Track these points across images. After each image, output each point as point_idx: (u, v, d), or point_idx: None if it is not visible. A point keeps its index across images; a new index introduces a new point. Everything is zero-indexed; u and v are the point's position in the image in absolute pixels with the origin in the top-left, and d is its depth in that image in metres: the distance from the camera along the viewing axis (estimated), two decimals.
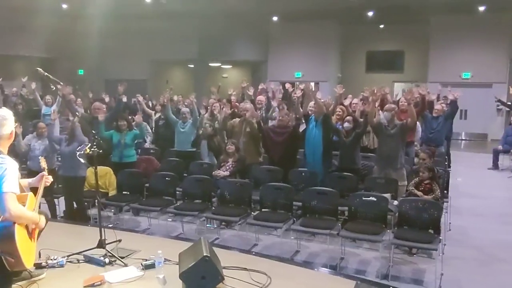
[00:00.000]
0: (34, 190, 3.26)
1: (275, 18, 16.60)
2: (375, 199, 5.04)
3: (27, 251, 2.93)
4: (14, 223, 2.80)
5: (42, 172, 3.39)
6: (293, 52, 17.30)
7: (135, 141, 7.08)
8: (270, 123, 7.95)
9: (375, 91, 6.53)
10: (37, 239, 3.25)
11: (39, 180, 3.36)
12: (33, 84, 9.95)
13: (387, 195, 5.25)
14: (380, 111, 6.67)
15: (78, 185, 5.81)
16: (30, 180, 3.41)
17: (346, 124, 6.37)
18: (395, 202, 5.30)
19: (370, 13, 15.06)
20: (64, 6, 14.80)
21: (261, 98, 8.55)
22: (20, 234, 2.84)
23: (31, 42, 14.82)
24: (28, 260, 2.93)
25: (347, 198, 5.34)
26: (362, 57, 18.84)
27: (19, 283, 3.38)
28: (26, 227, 2.97)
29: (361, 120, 6.56)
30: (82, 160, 4.42)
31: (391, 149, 5.97)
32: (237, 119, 7.20)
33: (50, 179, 3.41)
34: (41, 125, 6.53)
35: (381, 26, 17.58)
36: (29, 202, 3.05)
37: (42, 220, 3.11)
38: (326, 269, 4.32)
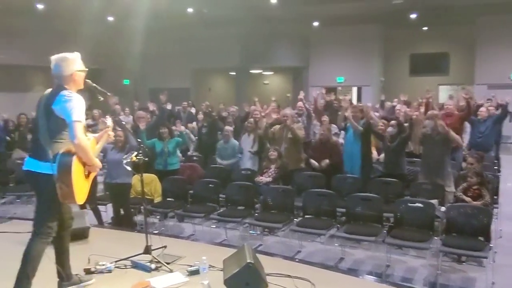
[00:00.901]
0: None
1: (316, 23, 16.52)
2: (422, 205, 4.90)
3: (81, 187, 3.14)
4: (73, 156, 3.04)
5: (107, 129, 3.62)
6: (335, 56, 17.13)
7: (178, 149, 7.20)
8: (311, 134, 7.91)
9: (423, 101, 6.39)
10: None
11: (102, 135, 3.59)
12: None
13: (434, 201, 5.10)
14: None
15: (125, 192, 5.97)
16: (95, 134, 3.64)
17: (390, 129, 6.23)
18: (443, 208, 5.14)
19: (413, 16, 14.69)
20: (110, 18, 15.40)
21: (301, 104, 8.52)
22: (77, 168, 3.07)
23: (79, 53, 15.48)
24: (79, 196, 3.13)
25: (392, 204, 5.21)
26: (406, 60, 18.39)
27: (70, 287, 3.51)
28: (84, 165, 3.17)
29: (404, 124, 6.40)
30: (128, 168, 4.55)
31: (436, 156, 5.79)
32: (278, 126, 7.20)
33: (112, 135, 3.67)
34: None
35: (425, 28, 17.10)
36: (90, 145, 3.29)
37: (97, 163, 3.28)
38: (371, 276, 4.22)
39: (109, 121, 3.74)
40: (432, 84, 17.43)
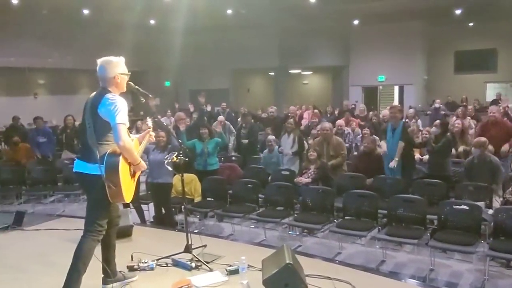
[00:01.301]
0: None
1: (356, 22, 16.26)
2: (468, 208, 4.72)
3: (128, 186, 3.25)
4: (120, 156, 3.14)
5: (148, 129, 3.73)
6: (376, 55, 16.77)
7: (218, 149, 7.27)
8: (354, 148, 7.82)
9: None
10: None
11: (144, 136, 3.69)
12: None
13: (481, 204, 4.91)
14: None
15: (166, 191, 6.08)
16: (137, 135, 3.76)
17: (433, 129, 6.05)
18: (490, 211, 4.95)
19: (458, 11, 14.18)
20: (152, 21, 15.78)
21: (341, 122, 8.35)
22: (123, 168, 3.18)
23: (122, 57, 15.95)
24: (127, 195, 3.24)
25: (436, 206, 5.05)
26: (450, 57, 17.76)
27: (114, 284, 3.61)
28: (129, 165, 3.28)
29: (447, 123, 6.20)
30: (169, 168, 4.63)
31: (482, 180, 5.57)
32: (317, 139, 7.08)
33: (153, 136, 3.76)
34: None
35: (470, 24, 16.46)
36: (133, 145, 3.38)
37: (142, 163, 3.37)
38: (414, 280, 4.10)
39: (150, 122, 3.83)
40: (478, 81, 16.82)
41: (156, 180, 5.99)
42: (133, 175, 3.36)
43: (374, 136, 7.81)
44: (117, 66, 3.31)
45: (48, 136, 8.96)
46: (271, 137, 7.74)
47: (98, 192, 3.16)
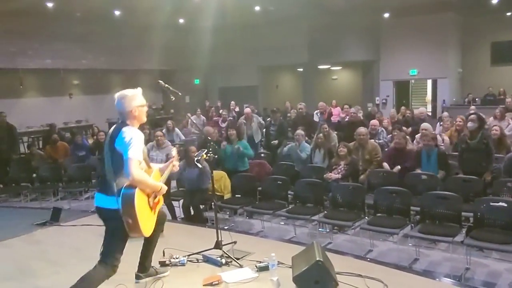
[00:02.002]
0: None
1: (386, 15, 15.93)
2: (506, 205, 4.55)
3: (146, 219, 3.20)
4: (135, 188, 3.09)
5: (172, 158, 3.73)
6: (407, 48, 16.37)
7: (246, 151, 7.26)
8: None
9: None
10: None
11: (167, 165, 3.70)
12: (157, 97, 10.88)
13: None
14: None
15: (202, 195, 6.16)
16: (161, 165, 3.76)
17: (469, 124, 5.84)
18: None
19: (495, 1, 13.67)
20: (181, 20, 15.96)
21: (375, 122, 8.22)
22: (140, 201, 3.13)
23: (152, 56, 16.23)
24: (146, 228, 3.19)
25: (472, 203, 4.90)
26: (487, 49, 17.13)
27: (147, 279, 3.69)
28: (148, 196, 3.24)
29: (483, 117, 5.98)
30: (199, 165, 4.67)
31: None
32: (352, 144, 6.97)
33: (177, 166, 3.74)
34: (158, 133, 6.86)
35: (508, 13, 15.82)
36: (153, 176, 3.38)
37: (163, 187, 3.35)
38: (449, 279, 3.99)
39: (174, 151, 3.84)
40: None
41: (195, 186, 6.10)
42: (153, 207, 3.32)
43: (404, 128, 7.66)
44: (133, 100, 3.26)
45: (86, 149, 9.36)
46: (300, 131, 7.67)
47: (115, 226, 3.13)
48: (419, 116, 9.03)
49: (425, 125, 6.88)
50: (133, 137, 3.11)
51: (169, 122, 10.28)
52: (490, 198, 4.88)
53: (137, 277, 3.69)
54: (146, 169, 3.30)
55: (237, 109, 11.15)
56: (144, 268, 3.70)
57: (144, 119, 3.36)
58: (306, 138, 7.67)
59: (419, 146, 6.59)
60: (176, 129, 10.11)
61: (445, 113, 9.25)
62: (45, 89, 15.22)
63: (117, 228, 3.13)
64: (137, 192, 3.09)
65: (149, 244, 3.65)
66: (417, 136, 7.10)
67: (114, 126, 3.29)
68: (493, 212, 4.58)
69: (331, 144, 7.44)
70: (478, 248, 4.71)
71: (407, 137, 7.11)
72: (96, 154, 9.00)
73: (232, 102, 10.45)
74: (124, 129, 3.16)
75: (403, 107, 11.36)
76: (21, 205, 7.69)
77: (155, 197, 3.33)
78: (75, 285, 3.12)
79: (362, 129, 6.92)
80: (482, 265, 4.77)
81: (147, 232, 3.24)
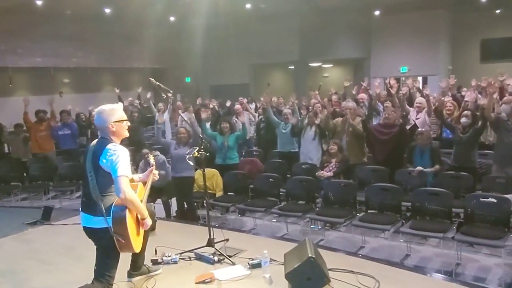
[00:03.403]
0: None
1: (377, 12, 15.99)
2: (495, 201, 4.60)
3: (136, 236, 3.19)
4: (126, 208, 3.05)
5: (151, 167, 3.67)
6: (398, 46, 16.46)
7: (238, 142, 7.28)
8: (375, 121, 7.69)
9: (492, 82, 5.93)
10: (146, 241, 3.53)
11: (148, 175, 3.64)
12: (148, 94, 10.83)
13: (510, 196, 4.75)
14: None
15: (188, 185, 6.15)
16: (140, 175, 3.71)
17: (463, 119, 5.89)
18: None
19: None
20: (172, 18, 15.89)
21: (363, 96, 8.30)
22: (130, 220, 3.10)
23: (143, 54, 16.17)
24: (136, 245, 3.18)
25: (462, 199, 4.95)
26: (476, 46, 17.26)
27: (139, 277, 3.68)
28: (136, 214, 3.20)
29: (477, 114, 6.02)
30: (191, 163, 4.67)
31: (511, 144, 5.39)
32: (340, 119, 7.06)
33: (157, 175, 3.67)
34: (181, 130, 6.76)
35: (497, 11, 15.95)
36: (139, 192, 3.34)
37: (148, 219, 3.30)
38: (440, 274, 4.03)
39: (151, 159, 3.82)
40: (506, 70, 16.20)
41: (178, 174, 6.06)
42: (139, 225, 3.28)
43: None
44: (111, 114, 3.16)
45: (71, 129, 9.01)
46: (287, 110, 7.76)
47: (106, 245, 3.09)
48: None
49: (419, 99, 7.16)
50: (119, 154, 3.02)
51: (160, 104, 10.36)
52: (480, 194, 4.93)
53: (129, 275, 3.68)
54: (131, 184, 3.16)
55: (228, 103, 11.18)
56: (136, 266, 3.69)
57: (125, 134, 3.25)
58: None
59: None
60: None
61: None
62: (35, 88, 15.05)
63: (108, 247, 3.09)
64: (127, 212, 3.06)
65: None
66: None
67: (96, 141, 3.18)
68: (483, 207, 4.63)
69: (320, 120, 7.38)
70: (468, 243, 4.77)
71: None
72: (89, 132, 8.93)
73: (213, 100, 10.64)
74: (109, 146, 3.06)
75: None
76: (12, 204, 7.63)
77: None
78: None
79: (350, 104, 6.95)
80: (472, 260, 4.82)
81: (138, 248, 3.22)
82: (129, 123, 3.29)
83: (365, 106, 7.88)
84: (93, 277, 3.16)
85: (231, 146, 6.92)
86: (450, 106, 6.84)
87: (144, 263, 3.77)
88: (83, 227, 3.18)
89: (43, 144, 8.78)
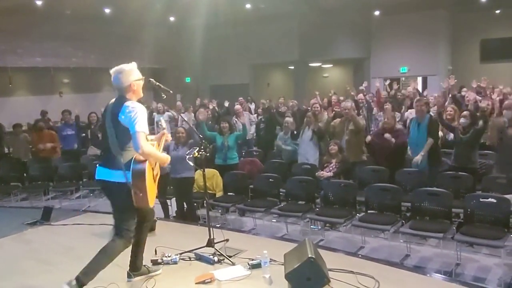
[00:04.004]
0: None
1: (377, 12, 16.00)
2: (495, 201, 4.60)
3: (152, 191, 3.30)
4: (146, 163, 3.18)
5: (163, 131, 3.74)
6: (398, 46, 16.47)
7: (238, 142, 7.29)
8: (373, 126, 7.71)
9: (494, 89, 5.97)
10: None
11: (160, 137, 3.69)
12: (150, 95, 10.88)
13: (509, 196, 4.76)
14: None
15: (188, 186, 6.15)
16: (152, 136, 3.74)
17: (462, 120, 5.90)
18: None
19: None
20: (171, 18, 15.89)
21: (362, 96, 8.34)
22: (149, 174, 3.22)
23: (143, 54, 16.16)
24: (151, 199, 3.30)
25: (462, 199, 4.95)
26: (476, 46, 17.27)
27: (139, 277, 3.67)
28: (152, 170, 3.31)
29: (477, 114, 6.03)
30: (191, 163, 4.66)
31: None
32: (338, 120, 7.07)
33: (169, 137, 3.77)
34: (180, 129, 6.78)
35: (497, 11, 15.96)
36: (154, 148, 3.42)
37: (167, 157, 3.45)
38: (440, 275, 4.03)
39: (163, 122, 3.88)
40: (506, 71, 16.28)
41: (178, 175, 6.06)
42: (155, 179, 3.40)
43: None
44: (130, 74, 3.29)
45: (75, 129, 9.15)
46: (289, 119, 7.76)
47: (123, 199, 3.20)
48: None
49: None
50: (137, 111, 3.15)
51: (159, 104, 10.36)
52: (480, 194, 4.93)
53: (129, 276, 3.67)
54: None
55: (226, 103, 11.19)
56: (135, 266, 3.68)
57: (141, 94, 3.38)
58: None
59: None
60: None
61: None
62: (35, 88, 15.08)
63: (124, 201, 3.20)
64: (147, 166, 3.18)
65: (138, 242, 3.64)
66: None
67: (113, 101, 3.31)
68: (483, 208, 4.63)
69: (319, 123, 7.38)
70: (468, 243, 4.77)
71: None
72: (89, 133, 8.99)
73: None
74: (127, 103, 3.19)
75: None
76: (12, 204, 7.62)
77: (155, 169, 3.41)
78: (96, 257, 3.21)
79: (347, 104, 6.96)
80: (472, 261, 4.83)
81: (152, 202, 3.32)
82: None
83: (365, 107, 7.90)
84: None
85: (231, 146, 6.92)
86: (450, 111, 6.85)
87: (144, 264, 3.76)
88: (99, 180, 3.29)
89: (48, 153, 8.83)
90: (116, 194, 3.25)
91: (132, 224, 3.31)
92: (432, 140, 5.93)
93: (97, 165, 3.36)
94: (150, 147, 3.22)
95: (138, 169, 3.15)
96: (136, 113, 3.13)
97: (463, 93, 9.54)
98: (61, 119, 9.15)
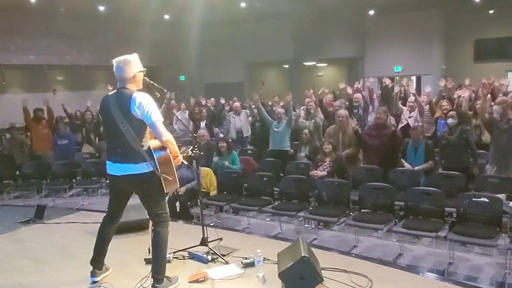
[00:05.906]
0: None
1: (371, 12, 16.05)
2: (488, 200, 4.63)
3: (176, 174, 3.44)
4: (165, 148, 3.31)
5: None
6: (392, 45, 16.53)
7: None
8: (370, 118, 7.72)
9: (485, 83, 5.98)
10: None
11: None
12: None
13: (502, 196, 4.79)
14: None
15: (182, 185, 6.13)
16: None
17: (450, 120, 5.94)
18: (511, 204, 4.81)
19: None
20: (166, 16, 15.84)
21: (358, 95, 8.34)
22: (172, 158, 3.39)
23: (137, 52, 16.07)
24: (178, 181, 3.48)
25: (455, 199, 4.98)
26: (470, 46, 17.37)
27: (103, 274, 3.65)
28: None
29: (470, 113, 6.06)
30: (185, 162, 4.65)
31: (505, 145, 5.43)
32: (332, 127, 7.04)
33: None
34: (201, 132, 7.00)
35: (491, 11, 16.06)
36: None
37: (181, 156, 3.57)
38: (432, 274, 4.06)
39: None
40: (499, 70, 16.37)
41: None
42: (175, 163, 3.52)
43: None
44: (134, 65, 3.33)
45: (69, 138, 9.07)
46: (280, 109, 7.89)
47: (154, 187, 3.30)
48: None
49: (412, 98, 7.33)
50: (148, 101, 3.22)
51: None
52: (473, 194, 4.95)
53: (93, 275, 3.59)
54: None
55: (222, 101, 11.17)
56: (101, 264, 3.65)
57: (141, 86, 3.43)
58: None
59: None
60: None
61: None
62: (29, 85, 14.96)
63: (156, 187, 3.31)
64: (169, 152, 3.34)
65: (103, 242, 3.62)
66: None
67: (116, 93, 3.31)
68: (476, 207, 4.66)
69: (316, 143, 7.41)
70: (460, 243, 4.80)
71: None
72: (83, 131, 9.09)
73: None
74: (135, 94, 3.23)
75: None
76: (4, 202, 7.57)
77: None
78: (153, 253, 3.35)
79: (342, 111, 6.97)
80: (464, 260, 4.85)
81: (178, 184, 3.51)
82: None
83: (360, 106, 7.90)
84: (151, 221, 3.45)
85: (230, 166, 6.80)
86: (446, 105, 6.89)
87: (105, 264, 3.71)
88: (123, 176, 3.31)
89: (44, 143, 8.89)
90: (148, 183, 3.30)
91: (164, 205, 3.45)
92: (432, 163, 6.03)
93: (113, 162, 3.34)
94: (170, 135, 3.31)
95: (162, 155, 3.28)
96: (148, 104, 3.19)
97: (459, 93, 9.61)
98: (53, 128, 9.06)
